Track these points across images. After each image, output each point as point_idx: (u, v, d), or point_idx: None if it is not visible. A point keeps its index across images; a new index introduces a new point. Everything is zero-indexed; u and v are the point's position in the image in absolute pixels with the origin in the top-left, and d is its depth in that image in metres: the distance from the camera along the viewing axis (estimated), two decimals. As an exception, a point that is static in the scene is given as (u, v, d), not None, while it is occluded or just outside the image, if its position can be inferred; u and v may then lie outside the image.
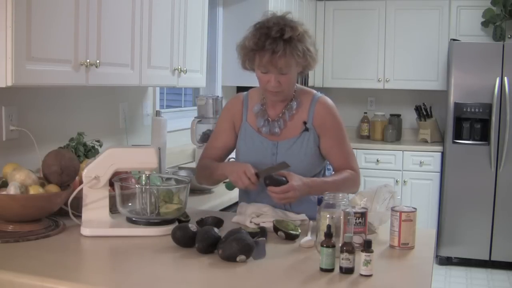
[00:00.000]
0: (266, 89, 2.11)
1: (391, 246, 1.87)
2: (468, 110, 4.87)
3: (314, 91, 2.25)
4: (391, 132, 5.50)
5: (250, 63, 2.11)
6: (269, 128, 2.19)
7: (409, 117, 5.70)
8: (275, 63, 2.01)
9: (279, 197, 2.00)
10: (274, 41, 1.99)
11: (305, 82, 4.67)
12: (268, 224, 2.00)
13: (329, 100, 2.23)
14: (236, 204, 2.49)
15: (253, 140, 2.21)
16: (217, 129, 2.33)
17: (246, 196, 2.26)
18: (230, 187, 2.24)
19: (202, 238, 1.73)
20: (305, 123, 2.17)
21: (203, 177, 2.33)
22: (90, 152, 2.52)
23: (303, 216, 2.12)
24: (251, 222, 2.06)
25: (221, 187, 2.76)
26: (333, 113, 2.21)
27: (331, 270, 1.60)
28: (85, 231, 1.90)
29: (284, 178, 2.01)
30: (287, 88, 2.12)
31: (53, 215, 1.99)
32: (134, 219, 1.96)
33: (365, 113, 5.75)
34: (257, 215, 2.08)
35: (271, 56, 2.00)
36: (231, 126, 2.27)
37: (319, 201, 1.81)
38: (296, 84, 2.23)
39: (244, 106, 2.26)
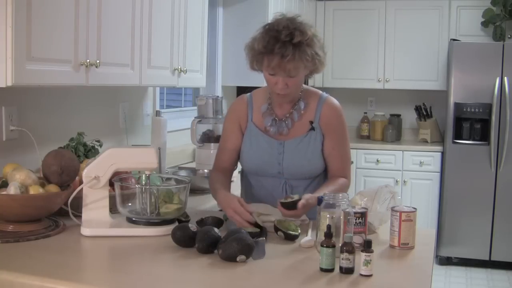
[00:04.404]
0: (274, 91, 2.11)
1: (391, 246, 1.87)
2: (468, 110, 4.87)
3: (320, 92, 2.26)
4: (391, 132, 5.50)
5: (258, 65, 2.10)
6: (277, 128, 2.19)
7: (409, 117, 5.70)
8: (283, 67, 2.00)
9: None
10: (283, 45, 1.98)
11: (304, 82, 4.66)
12: (269, 224, 2.00)
13: (335, 101, 2.24)
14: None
15: (259, 140, 2.21)
16: (224, 132, 2.31)
17: (247, 196, 2.27)
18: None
19: (202, 238, 1.73)
20: (311, 122, 2.18)
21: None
22: (90, 152, 2.52)
23: (303, 216, 2.12)
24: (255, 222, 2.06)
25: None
26: (339, 115, 2.22)
27: (331, 270, 1.60)
28: (85, 231, 1.90)
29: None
30: (295, 90, 2.12)
31: (53, 215, 1.99)
32: (134, 219, 1.96)
33: (365, 113, 5.76)
34: (257, 215, 2.08)
35: (280, 60, 1.99)
36: (237, 127, 2.26)
37: (319, 201, 1.81)
38: (303, 85, 2.23)
39: (249, 107, 2.26)
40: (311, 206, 1.98)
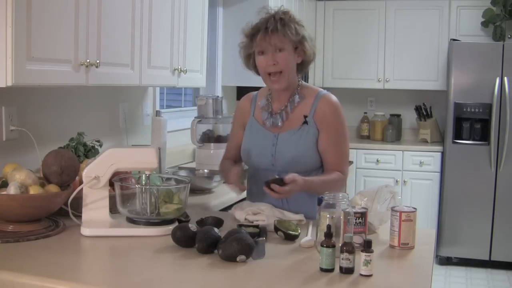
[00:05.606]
0: (266, 71, 2.16)
1: (391, 246, 1.87)
2: (468, 110, 4.87)
3: (320, 89, 2.30)
4: (391, 132, 5.50)
5: (249, 51, 2.17)
6: (272, 121, 2.25)
7: (409, 117, 5.70)
8: (268, 39, 2.11)
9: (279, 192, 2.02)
10: (266, 20, 2.12)
11: (304, 79, 4.65)
12: (263, 223, 2.00)
13: (333, 98, 2.25)
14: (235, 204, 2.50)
15: (257, 133, 2.28)
16: (231, 130, 2.45)
17: (251, 192, 2.31)
18: None
19: (202, 238, 1.73)
20: (305, 116, 2.20)
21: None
22: (90, 152, 2.52)
23: (300, 216, 2.12)
24: (245, 219, 2.07)
25: (221, 187, 2.76)
26: (336, 111, 2.22)
27: (331, 270, 1.60)
28: (85, 231, 1.90)
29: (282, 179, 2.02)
30: (285, 68, 2.15)
31: (53, 215, 1.99)
32: (134, 219, 1.96)
33: (365, 113, 5.76)
34: (253, 213, 2.09)
35: (265, 33, 2.10)
36: (241, 125, 2.36)
37: (319, 201, 1.81)
38: (302, 81, 2.29)
39: (253, 103, 2.35)
40: (298, 185, 2.02)
